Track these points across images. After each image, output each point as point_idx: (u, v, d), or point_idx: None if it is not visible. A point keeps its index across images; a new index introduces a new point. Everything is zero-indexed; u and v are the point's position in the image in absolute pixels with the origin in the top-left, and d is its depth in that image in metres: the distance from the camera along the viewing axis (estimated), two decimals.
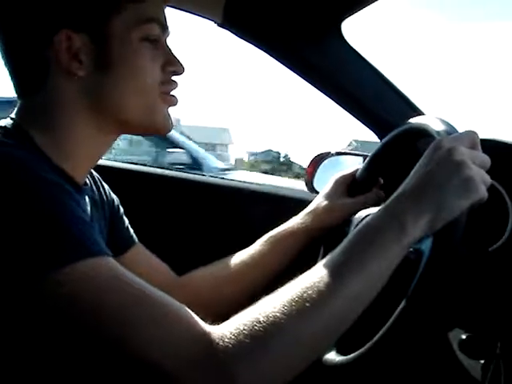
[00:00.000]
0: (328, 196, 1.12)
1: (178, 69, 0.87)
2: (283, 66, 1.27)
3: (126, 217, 1.10)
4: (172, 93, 0.88)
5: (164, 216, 1.45)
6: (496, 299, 0.86)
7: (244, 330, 0.63)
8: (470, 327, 0.92)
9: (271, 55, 1.27)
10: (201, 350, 0.62)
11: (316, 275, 0.68)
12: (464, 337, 0.92)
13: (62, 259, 0.63)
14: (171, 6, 1.21)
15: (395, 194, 0.74)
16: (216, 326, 0.65)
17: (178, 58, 0.87)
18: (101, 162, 0.92)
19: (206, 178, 1.64)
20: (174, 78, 0.88)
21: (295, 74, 1.27)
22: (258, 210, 1.42)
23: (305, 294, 0.66)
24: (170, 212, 1.46)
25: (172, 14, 0.94)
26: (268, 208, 1.42)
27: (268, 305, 0.66)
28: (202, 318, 0.66)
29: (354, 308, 0.69)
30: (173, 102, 0.88)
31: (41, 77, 0.81)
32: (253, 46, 1.26)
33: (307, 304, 0.65)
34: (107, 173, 1.05)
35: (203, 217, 1.46)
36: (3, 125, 0.80)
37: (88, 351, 0.64)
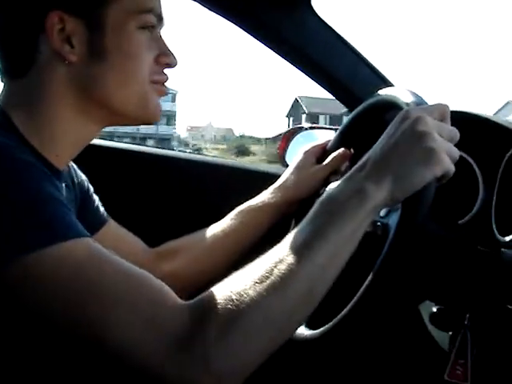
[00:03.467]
0: (297, 168, 1.11)
1: (172, 61, 0.87)
2: (252, 38, 1.25)
3: (97, 194, 1.09)
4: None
5: (135, 192, 1.44)
6: (465, 272, 0.86)
7: (216, 308, 0.63)
8: (441, 300, 0.93)
9: (241, 27, 1.25)
10: (181, 328, 0.63)
11: (283, 250, 0.68)
12: (435, 309, 0.93)
13: (37, 241, 0.63)
14: None
15: (358, 164, 0.74)
16: (190, 302, 0.66)
17: (171, 50, 0.87)
18: None
19: (179, 153, 1.63)
20: (165, 70, 0.87)
21: (265, 46, 1.26)
22: (232, 185, 1.42)
23: (274, 270, 0.66)
24: (142, 188, 1.45)
25: None
26: (241, 183, 1.41)
27: (239, 282, 0.66)
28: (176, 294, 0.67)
29: (322, 279, 0.68)
30: (163, 91, 0.87)
31: (30, 59, 0.79)
32: (221, 18, 1.24)
33: (277, 280, 0.65)
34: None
35: (175, 193, 1.45)
36: None
37: (66, 331, 0.64)
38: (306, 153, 1.12)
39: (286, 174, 1.11)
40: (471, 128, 0.90)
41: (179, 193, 1.45)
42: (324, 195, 0.73)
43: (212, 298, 0.65)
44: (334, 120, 28.13)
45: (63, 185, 0.88)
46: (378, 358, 1.25)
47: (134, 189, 1.43)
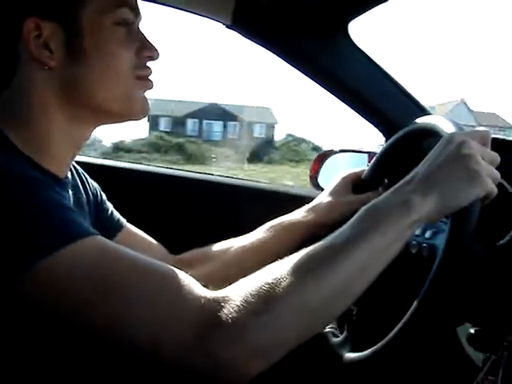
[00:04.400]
0: (333, 192, 1.12)
1: (153, 54, 0.87)
2: (292, 67, 1.28)
3: (125, 216, 1.10)
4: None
5: (162, 216, 1.47)
6: (504, 294, 0.87)
7: (250, 292, 0.65)
8: (479, 321, 0.94)
9: (280, 56, 1.28)
10: (205, 314, 0.64)
11: (323, 245, 0.70)
12: (473, 331, 0.94)
13: (48, 246, 0.64)
14: (179, 9, 1.23)
15: (404, 179, 0.76)
16: (220, 290, 0.66)
17: (152, 43, 0.87)
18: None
19: (207, 176, 1.65)
20: (148, 63, 0.87)
21: (303, 75, 1.28)
22: (260, 208, 1.43)
23: (312, 261, 0.68)
24: (170, 212, 1.48)
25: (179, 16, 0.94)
26: (270, 206, 1.44)
27: (276, 269, 0.68)
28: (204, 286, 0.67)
29: (359, 279, 0.70)
30: (148, 86, 0.88)
31: (11, 69, 0.80)
32: (260, 47, 1.27)
33: (316, 267, 0.67)
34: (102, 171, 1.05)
35: (203, 215, 1.48)
36: None
37: (86, 330, 0.65)
38: (343, 178, 1.13)
39: (322, 196, 1.13)
40: (509, 154, 0.92)
41: (208, 217, 1.47)
42: (368, 204, 0.75)
43: (246, 282, 0.67)
44: (178, 123, 25.58)
45: (69, 191, 0.89)
46: (418, 381, 1.25)
47: (162, 213, 1.46)
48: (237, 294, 0.65)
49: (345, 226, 0.73)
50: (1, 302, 0.66)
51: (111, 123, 0.90)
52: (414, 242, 0.91)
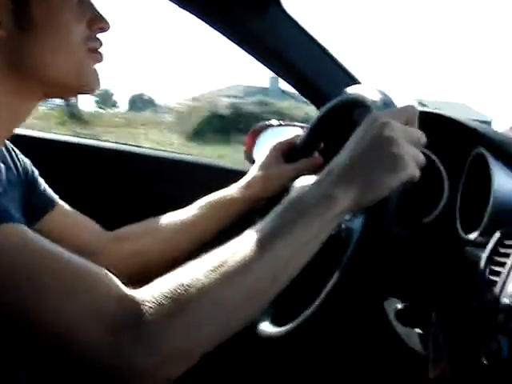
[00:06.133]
0: (265, 164, 1.11)
1: (105, 25, 0.86)
2: (221, 34, 1.24)
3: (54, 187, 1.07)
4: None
5: (97, 187, 1.44)
6: (430, 269, 0.87)
7: (166, 293, 0.63)
8: (406, 297, 0.94)
9: (210, 24, 1.24)
10: (120, 313, 0.62)
11: (243, 242, 0.68)
12: (400, 306, 0.94)
13: None
14: None
15: (326, 169, 0.74)
16: (137, 290, 0.64)
17: (103, 14, 0.85)
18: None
19: (142, 149, 1.62)
20: (99, 35, 0.86)
21: (232, 42, 1.25)
22: (195, 182, 1.41)
23: (230, 259, 0.66)
24: (104, 183, 1.45)
25: None
26: (205, 180, 1.41)
27: (192, 269, 0.66)
28: (123, 283, 0.65)
29: (279, 275, 0.68)
30: (99, 59, 0.86)
31: None
32: (190, 14, 1.23)
33: (231, 269, 0.65)
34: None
35: (137, 188, 1.46)
36: None
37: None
38: (274, 148, 1.12)
39: (254, 171, 1.11)
40: (436, 127, 0.91)
41: (143, 190, 1.45)
42: (292, 194, 0.73)
43: (161, 283, 0.65)
44: None
45: (1, 165, 0.86)
46: (343, 356, 1.26)
47: (96, 185, 1.43)
48: (151, 295, 0.63)
49: (268, 219, 0.71)
50: None
51: (59, 97, 0.90)
52: None
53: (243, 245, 0.67)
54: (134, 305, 0.62)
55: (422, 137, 0.75)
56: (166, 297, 0.62)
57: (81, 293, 0.62)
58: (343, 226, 0.85)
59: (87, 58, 0.84)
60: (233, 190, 1.11)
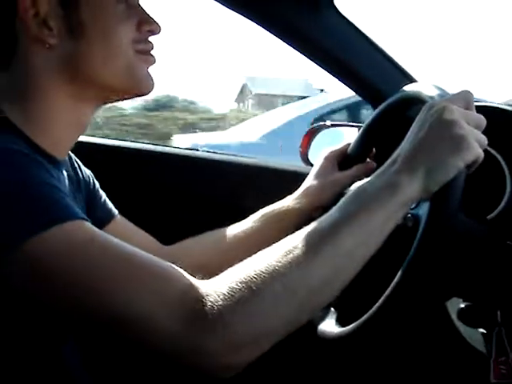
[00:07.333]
0: (318, 174, 1.10)
1: (155, 27, 0.85)
2: (276, 38, 1.24)
3: (113, 194, 1.09)
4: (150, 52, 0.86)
5: (154, 192, 1.44)
6: (494, 268, 0.85)
7: (238, 280, 0.64)
8: (468, 296, 0.92)
9: (261, 25, 1.24)
10: (192, 303, 0.63)
11: (311, 230, 0.69)
12: (463, 306, 0.92)
13: (35, 226, 0.63)
14: None
15: (389, 160, 0.74)
16: (208, 280, 0.66)
17: (152, 17, 0.85)
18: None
19: (196, 152, 1.61)
20: (150, 38, 0.86)
21: (285, 43, 1.25)
22: (251, 183, 1.41)
23: (300, 245, 0.67)
24: (160, 188, 1.45)
25: None
26: (261, 182, 1.41)
27: (263, 256, 0.67)
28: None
29: (349, 263, 0.69)
30: (151, 61, 0.86)
31: (10, 50, 0.78)
32: (243, 17, 1.24)
33: (302, 254, 0.66)
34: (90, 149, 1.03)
35: (193, 192, 1.45)
36: None
37: (71, 314, 0.65)
38: (326, 158, 1.11)
39: (309, 180, 1.11)
40: (497, 122, 0.89)
41: (199, 193, 1.45)
42: (356, 187, 0.73)
43: (233, 271, 0.66)
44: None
45: (64, 174, 0.87)
46: (406, 356, 1.24)
47: (146, 189, 1.43)
48: (223, 283, 0.64)
49: (332, 210, 0.71)
50: None
51: (115, 101, 0.88)
52: None
53: (310, 233, 0.68)
54: (207, 293, 0.63)
55: (482, 120, 0.75)
56: (238, 283, 0.63)
57: (152, 284, 0.64)
58: (409, 214, 0.83)
59: (137, 61, 0.83)
60: (288, 202, 1.10)
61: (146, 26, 0.84)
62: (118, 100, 0.88)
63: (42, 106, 0.79)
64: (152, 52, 0.86)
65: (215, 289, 0.63)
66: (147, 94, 0.87)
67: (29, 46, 0.78)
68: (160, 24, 0.86)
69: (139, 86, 0.85)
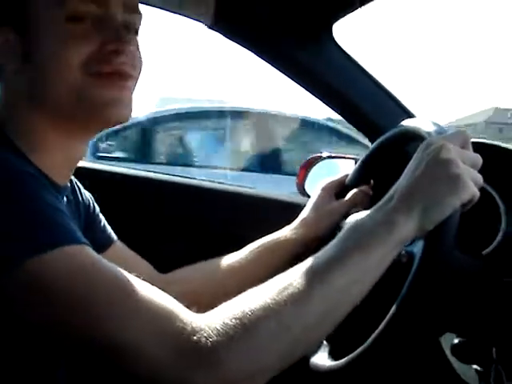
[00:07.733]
0: (315, 204, 1.10)
1: (117, 47, 0.76)
2: (273, 68, 1.26)
3: (113, 220, 1.08)
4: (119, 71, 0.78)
5: (151, 219, 1.44)
6: (489, 304, 0.85)
7: (232, 316, 0.63)
8: (462, 332, 0.92)
9: (262, 57, 1.26)
10: (186, 337, 0.62)
11: (306, 267, 0.69)
12: (456, 341, 0.92)
13: (36, 247, 0.63)
14: (159, 8, 1.21)
15: (386, 196, 0.74)
16: (202, 314, 0.65)
17: (120, 34, 0.77)
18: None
19: (195, 181, 1.62)
20: (116, 58, 0.77)
21: (285, 76, 1.26)
22: (249, 214, 1.41)
23: (294, 283, 0.66)
24: (157, 215, 1.45)
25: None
26: (259, 212, 1.41)
27: (257, 292, 0.67)
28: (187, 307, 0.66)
29: (344, 300, 0.69)
30: (114, 85, 0.77)
31: None
32: (242, 48, 1.25)
33: (297, 292, 0.66)
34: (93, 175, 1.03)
35: (191, 221, 1.45)
36: None
37: (65, 335, 0.64)
38: (323, 189, 1.12)
39: (306, 211, 1.11)
40: (493, 159, 0.90)
41: (195, 222, 1.44)
42: (352, 223, 0.74)
43: (227, 306, 0.66)
44: None
45: (64, 199, 0.87)
46: None
47: (141, 216, 1.44)
48: (217, 318, 0.64)
49: (328, 246, 0.71)
50: None
51: (100, 129, 0.82)
52: None
53: (304, 270, 0.68)
54: (201, 328, 0.62)
55: (478, 159, 0.75)
56: (233, 319, 0.63)
57: (147, 313, 0.64)
58: (403, 251, 0.83)
59: (88, 85, 0.75)
60: (285, 232, 1.10)
61: (110, 45, 0.76)
62: (100, 129, 0.82)
63: (35, 133, 0.78)
64: (121, 74, 0.78)
65: (210, 324, 0.63)
66: (118, 123, 0.80)
67: (9, 74, 0.78)
68: (136, 41, 0.79)
69: (99, 114, 0.77)
